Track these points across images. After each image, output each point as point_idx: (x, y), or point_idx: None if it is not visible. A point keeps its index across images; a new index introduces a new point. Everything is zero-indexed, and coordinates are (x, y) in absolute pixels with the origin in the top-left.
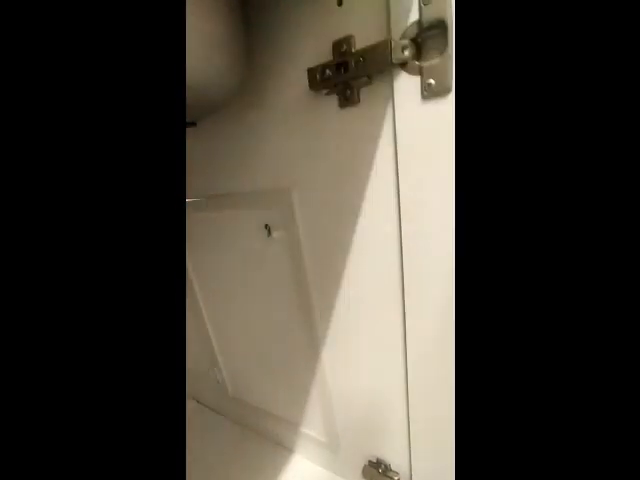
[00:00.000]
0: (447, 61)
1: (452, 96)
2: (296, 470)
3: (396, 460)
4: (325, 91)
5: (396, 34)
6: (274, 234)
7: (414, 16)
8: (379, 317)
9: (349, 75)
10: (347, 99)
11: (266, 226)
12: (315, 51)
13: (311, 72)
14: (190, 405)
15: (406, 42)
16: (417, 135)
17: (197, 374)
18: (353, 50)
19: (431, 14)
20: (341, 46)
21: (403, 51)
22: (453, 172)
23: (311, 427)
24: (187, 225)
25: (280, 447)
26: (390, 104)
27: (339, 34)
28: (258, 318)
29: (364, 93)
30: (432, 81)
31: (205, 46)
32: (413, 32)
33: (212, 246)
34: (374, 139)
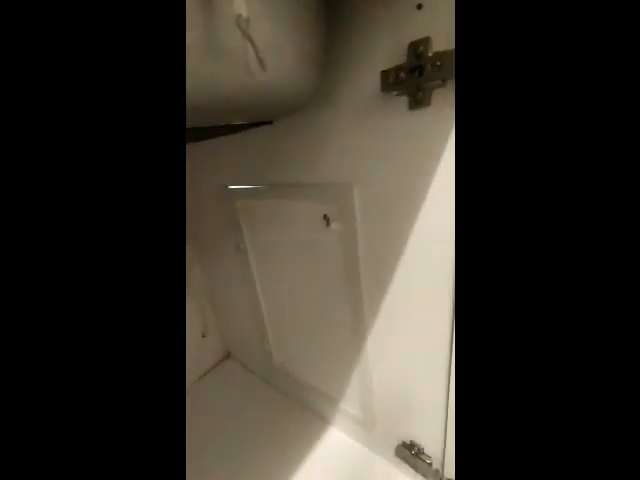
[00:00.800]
0: None
1: None
2: (332, 442)
3: (430, 445)
4: (395, 92)
5: None
6: (332, 225)
7: None
8: (427, 311)
9: (424, 78)
10: (417, 101)
11: (325, 216)
12: (389, 53)
13: (384, 74)
14: (238, 371)
15: None
16: None
17: (247, 343)
18: (430, 53)
19: None
20: (417, 48)
21: None
22: None
23: (350, 404)
24: (251, 208)
25: (319, 418)
26: None
27: (416, 36)
28: (309, 299)
29: (436, 96)
30: None
31: (302, 62)
32: None
33: (272, 229)
34: (442, 142)
